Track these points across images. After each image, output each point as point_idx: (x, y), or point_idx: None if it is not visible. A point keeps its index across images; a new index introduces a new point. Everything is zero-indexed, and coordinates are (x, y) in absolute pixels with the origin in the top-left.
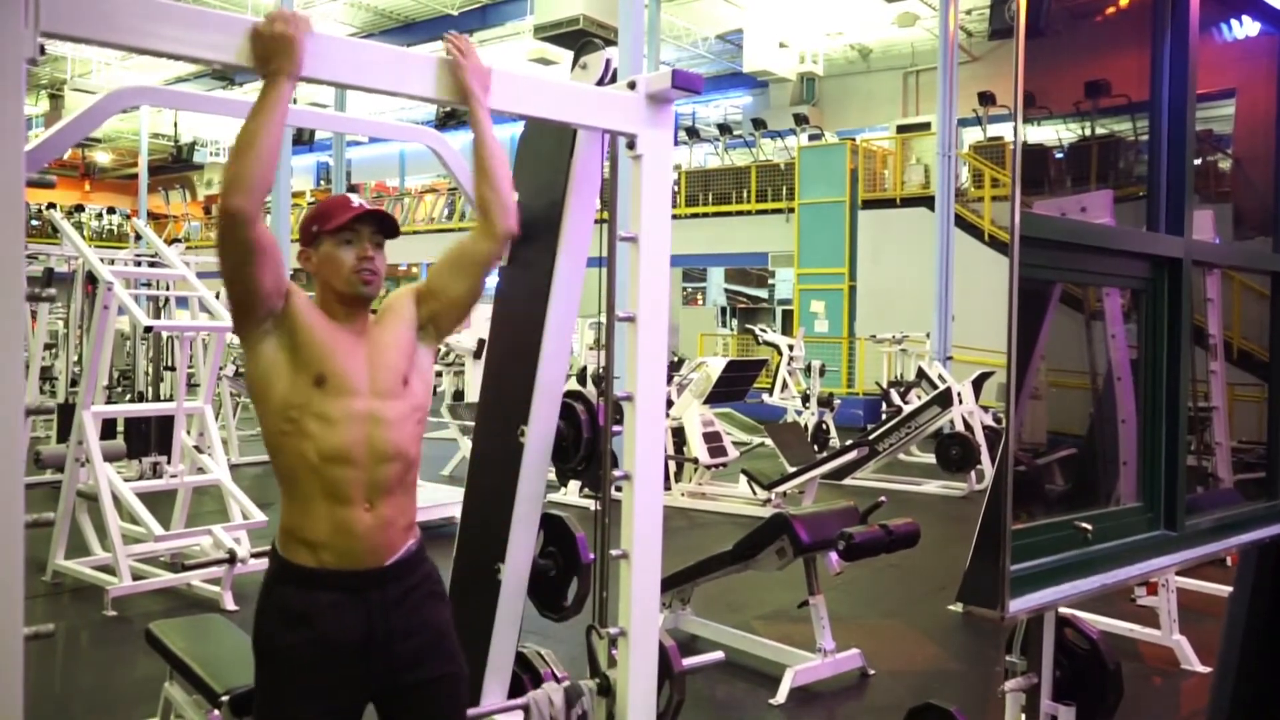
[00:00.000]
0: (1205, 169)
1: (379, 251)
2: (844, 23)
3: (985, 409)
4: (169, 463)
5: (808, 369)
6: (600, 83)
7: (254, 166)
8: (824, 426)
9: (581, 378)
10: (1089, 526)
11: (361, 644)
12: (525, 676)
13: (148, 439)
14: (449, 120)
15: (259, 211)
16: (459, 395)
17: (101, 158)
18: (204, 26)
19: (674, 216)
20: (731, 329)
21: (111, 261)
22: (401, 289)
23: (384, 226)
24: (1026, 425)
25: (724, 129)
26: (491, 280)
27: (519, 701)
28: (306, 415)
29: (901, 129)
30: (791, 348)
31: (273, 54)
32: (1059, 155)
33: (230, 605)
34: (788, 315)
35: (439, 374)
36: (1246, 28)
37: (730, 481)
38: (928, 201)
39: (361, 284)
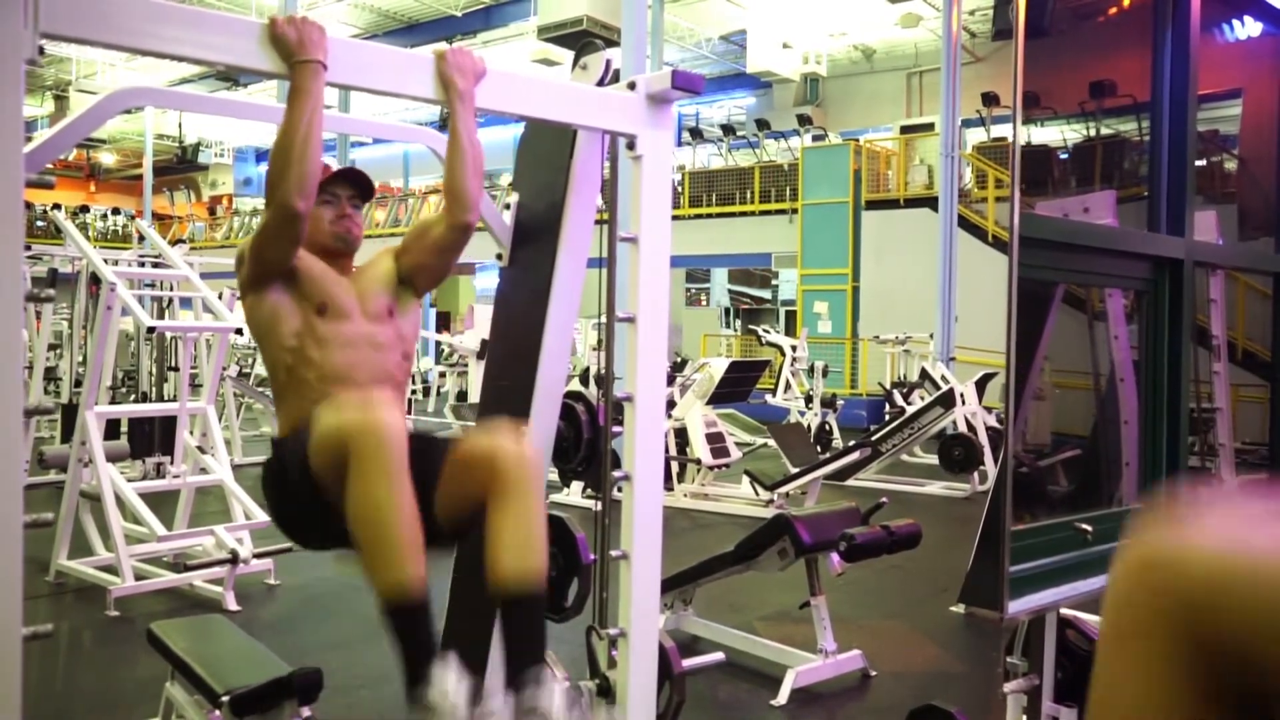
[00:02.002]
0: (1211, 169)
1: (356, 212)
2: (847, 23)
3: (989, 410)
4: (172, 463)
5: (811, 370)
6: (601, 83)
7: (313, 165)
8: (827, 427)
9: (584, 378)
10: (1089, 528)
11: None
12: None
13: (151, 439)
14: None
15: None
16: (462, 395)
17: (106, 159)
18: (205, 27)
19: (677, 217)
20: (735, 330)
21: (115, 262)
22: (379, 250)
23: (361, 190)
24: (1030, 426)
25: (727, 129)
26: (493, 281)
27: None
28: (309, 341)
29: (905, 130)
30: (794, 348)
31: (304, 42)
32: (1063, 156)
33: (232, 605)
34: (791, 316)
35: (442, 375)
36: (1252, 28)
37: (733, 482)
38: (931, 202)
39: (344, 232)
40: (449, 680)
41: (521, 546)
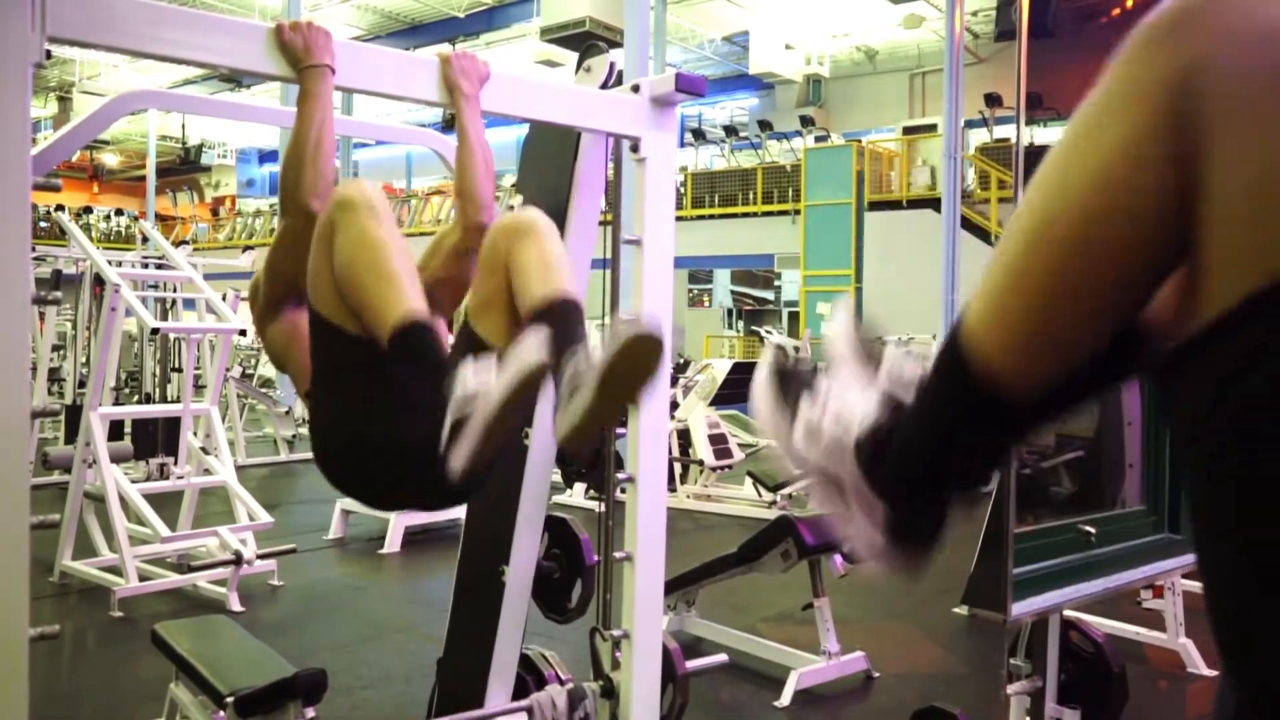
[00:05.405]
0: None
1: None
2: (850, 24)
3: None
4: (176, 464)
5: None
6: (604, 86)
7: (326, 167)
8: None
9: None
10: (1092, 530)
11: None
12: (529, 678)
13: (154, 440)
14: (454, 123)
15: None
16: None
17: (109, 160)
18: (209, 31)
19: (680, 218)
20: (738, 330)
21: (119, 263)
22: None
23: None
24: None
25: (730, 131)
26: None
27: (523, 703)
28: None
29: (907, 131)
30: (797, 349)
31: (310, 47)
32: None
33: (236, 606)
34: (794, 317)
35: None
36: None
37: (736, 483)
38: (934, 203)
39: None
40: (471, 372)
41: (547, 271)
